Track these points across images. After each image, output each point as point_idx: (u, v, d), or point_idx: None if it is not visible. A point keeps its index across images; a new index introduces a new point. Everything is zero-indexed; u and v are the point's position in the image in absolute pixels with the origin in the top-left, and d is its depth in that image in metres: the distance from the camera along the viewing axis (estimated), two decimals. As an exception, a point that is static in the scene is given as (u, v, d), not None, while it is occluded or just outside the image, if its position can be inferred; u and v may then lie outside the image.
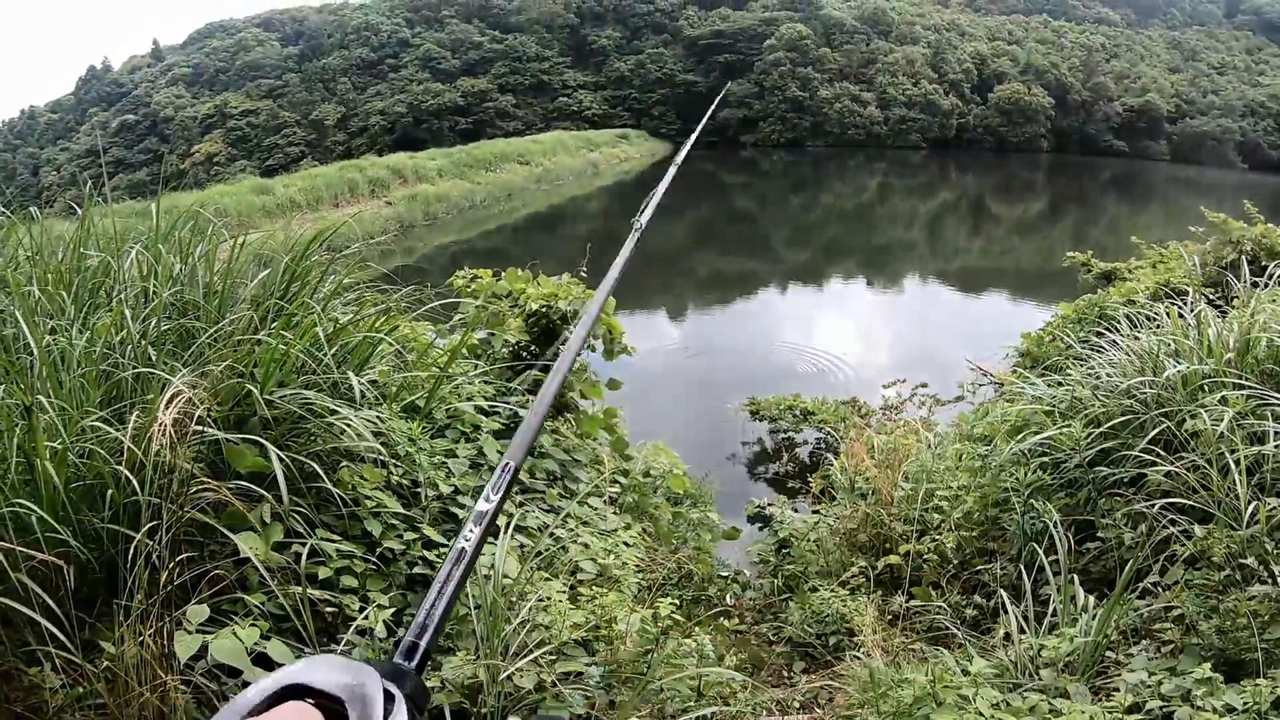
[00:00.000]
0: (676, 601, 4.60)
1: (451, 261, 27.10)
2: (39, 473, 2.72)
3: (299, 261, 4.40)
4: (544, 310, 6.00)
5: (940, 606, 4.76)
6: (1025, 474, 4.80)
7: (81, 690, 2.58)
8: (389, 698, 0.58)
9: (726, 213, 41.51)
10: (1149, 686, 3.04)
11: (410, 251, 29.23)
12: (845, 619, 4.86)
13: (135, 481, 2.76)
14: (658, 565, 5.64)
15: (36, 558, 2.60)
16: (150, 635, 2.58)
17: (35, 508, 2.63)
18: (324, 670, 0.56)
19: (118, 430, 2.84)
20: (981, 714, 2.80)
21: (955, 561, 5.08)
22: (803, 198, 45.98)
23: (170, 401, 2.88)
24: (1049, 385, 5.55)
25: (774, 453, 11.31)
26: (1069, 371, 5.48)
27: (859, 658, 4.07)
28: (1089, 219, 38.22)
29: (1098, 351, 5.44)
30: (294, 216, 27.34)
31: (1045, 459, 4.92)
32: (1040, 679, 3.27)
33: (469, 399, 5.03)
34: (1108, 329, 5.77)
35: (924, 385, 10.79)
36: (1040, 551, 4.22)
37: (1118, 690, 3.07)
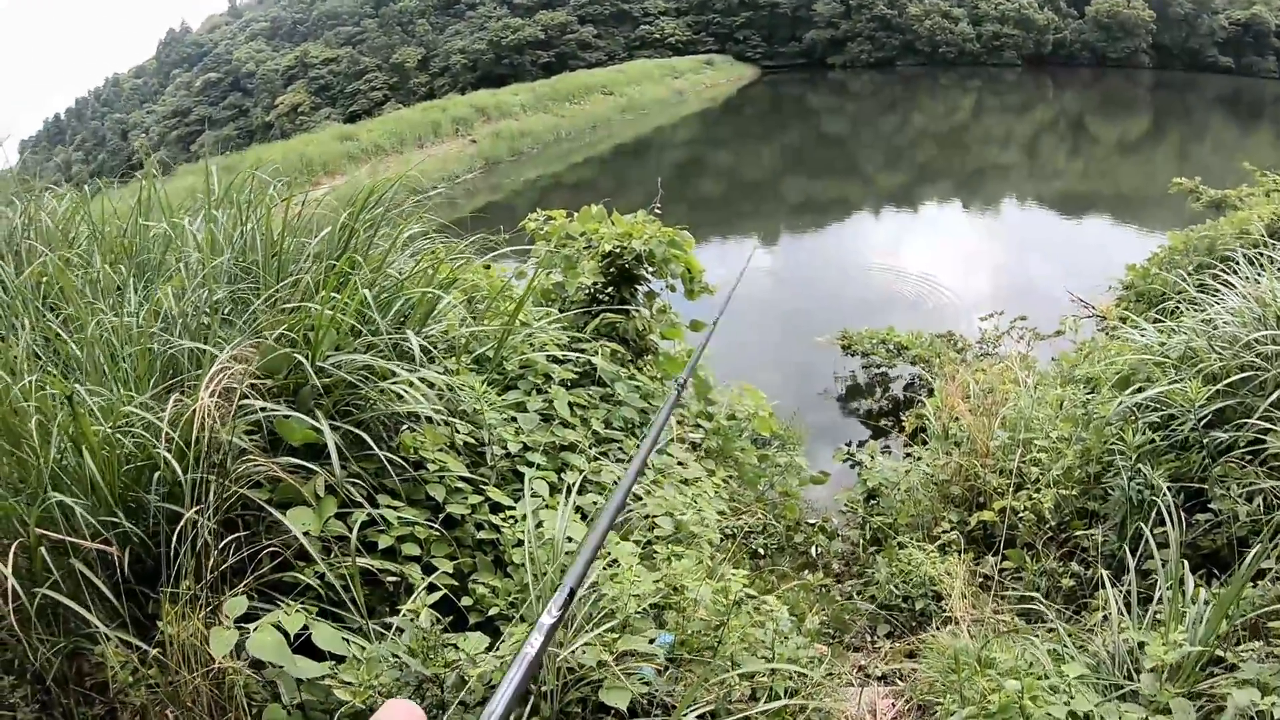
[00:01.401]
0: (753, 568, 4.42)
1: (540, 196, 27.15)
2: (86, 460, 2.67)
3: (356, 217, 4.26)
4: (618, 251, 5.78)
5: (1035, 574, 4.44)
6: (1132, 434, 4.40)
7: (139, 672, 2.54)
8: None
9: (816, 137, 40.46)
10: (1259, 710, 2.66)
11: (497, 188, 29.32)
12: (934, 581, 4.58)
13: (176, 464, 2.68)
14: (741, 512, 5.48)
15: (85, 545, 2.56)
16: (201, 619, 2.52)
17: (80, 497, 2.59)
18: None
19: (158, 413, 2.75)
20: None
21: (1053, 523, 4.72)
22: (894, 119, 44.47)
23: (213, 379, 2.78)
24: (1160, 332, 5.09)
25: (867, 388, 10.96)
26: (1182, 318, 5.01)
27: (944, 631, 3.83)
28: (1194, 140, 36.03)
29: (1213, 295, 4.97)
30: (378, 160, 27.65)
31: (1156, 416, 4.50)
32: (1139, 682, 2.93)
33: (541, 348, 4.87)
34: (1223, 270, 5.26)
35: (1023, 318, 10.27)
36: (1146, 527, 3.82)
37: (1224, 709, 2.73)
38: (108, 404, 2.89)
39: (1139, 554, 3.72)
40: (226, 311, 3.65)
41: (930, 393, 8.12)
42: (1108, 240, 18.49)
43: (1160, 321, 5.38)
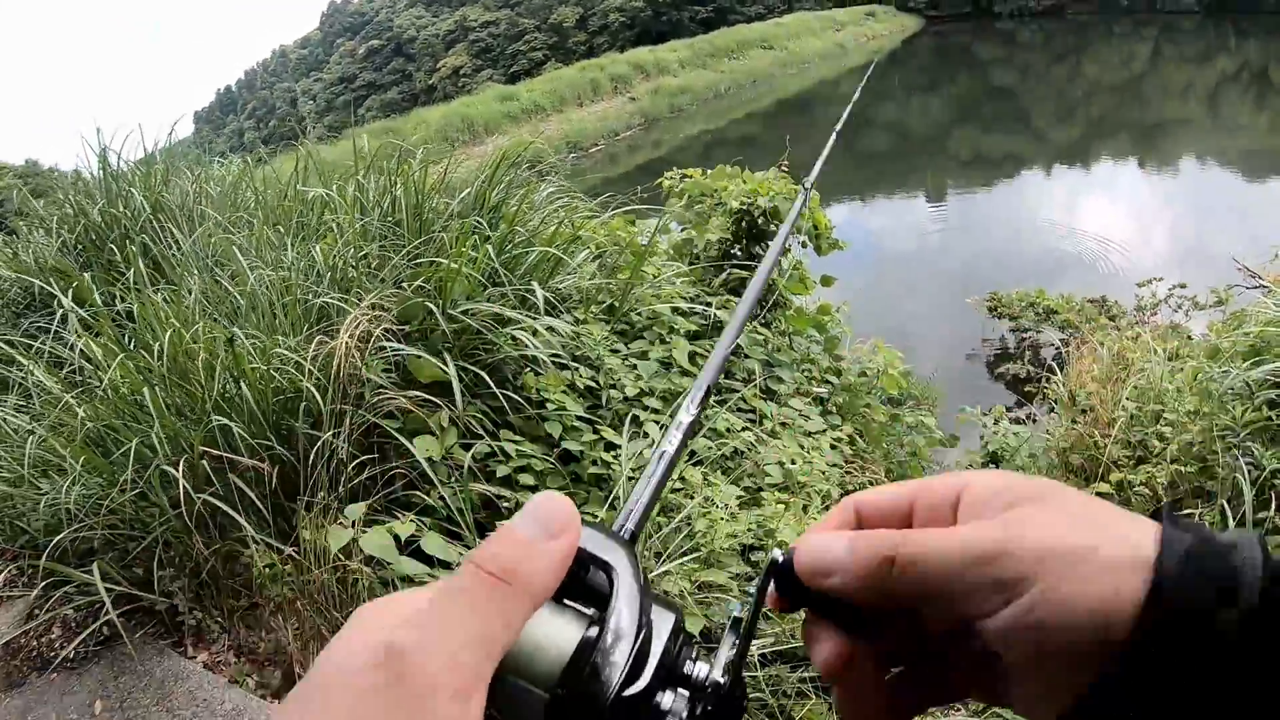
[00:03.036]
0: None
1: (704, 151, 27.22)
2: (244, 392, 3.09)
3: (490, 181, 4.60)
4: (746, 207, 5.93)
5: None
6: (1244, 410, 4.24)
7: (276, 569, 2.95)
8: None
9: (984, 89, 38.79)
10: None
11: (658, 144, 29.54)
12: None
13: (319, 396, 3.06)
14: (865, 469, 5.57)
15: (242, 463, 2.98)
16: (332, 525, 2.90)
17: (238, 421, 3.01)
18: (594, 538, 0.57)
19: (301, 353, 3.15)
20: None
21: (1167, 500, 4.59)
22: (1065, 70, 42.03)
23: (353, 323, 3.15)
24: None
25: (1016, 352, 10.68)
26: None
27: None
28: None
29: None
30: (539, 120, 28.31)
31: (1274, 394, 4.32)
32: None
33: (667, 300, 5.10)
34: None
35: (1182, 286, 9.73)
36: (1234, 508, 3.71)
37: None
38: (263, 345, 3.31)
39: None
40: (373, 265, 4.04)
41: (1068, 362, 7.91)
42: (1291, 201, 17.16)
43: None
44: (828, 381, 6.29)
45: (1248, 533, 0.45)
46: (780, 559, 0.56)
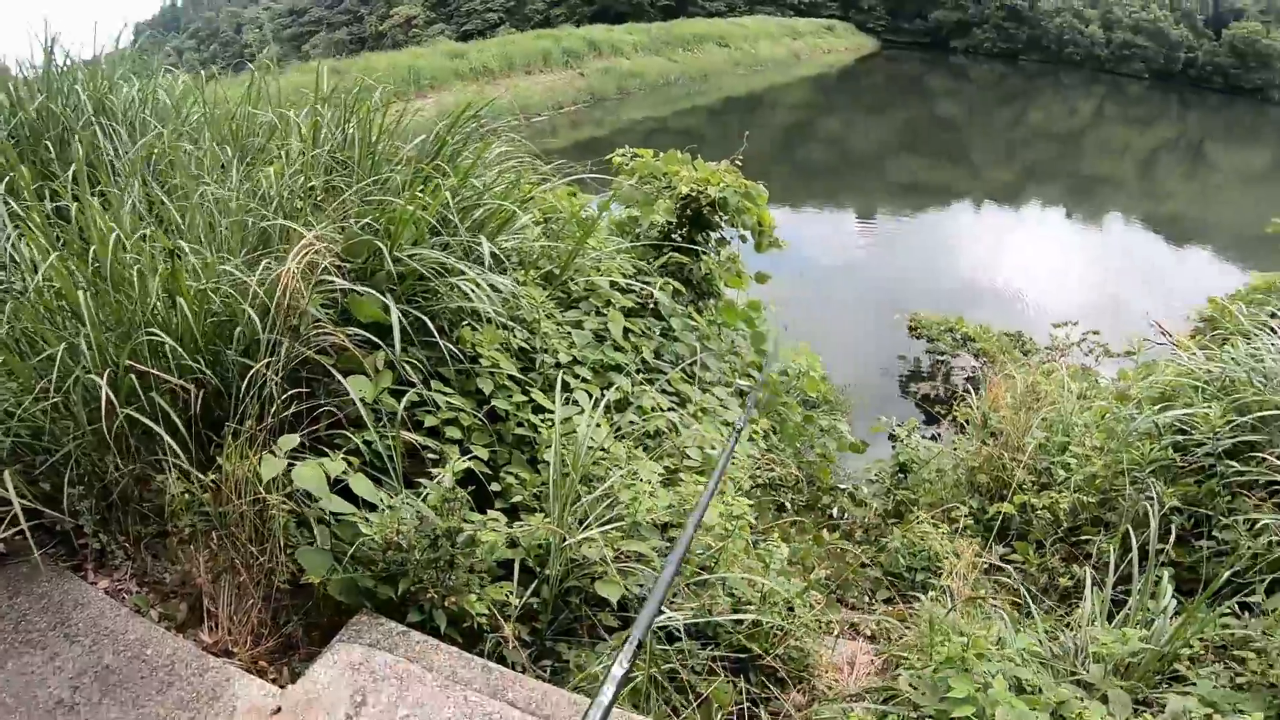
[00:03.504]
0: (757, 504, 4.63)
1: (643, 137, 27.24)
2: (179, 309, 3.01)
3: (450, 130, 4.54)
4: (694, 194, 5.98)
5: (1035, 568, 4.60)
6: (1151, 449, 4.50)
7: (192, 498, 2.89)
8: None
9: (929, 119, 39.60)
10: (1189, 717, 2.81)
11: (600, 123, 29.51)
12: (938, 558, 4.75)
13: (258, 321, 3.00)
14: (775, 465, 5.68)
15: (169, 382, 2.91)
16: (256, 458, 2.85)
17: (170, 339, 2.93)
18: None
19: (248, 275, 3.08)
20: (996, 693, 2.70)
21: (1066, 525, 4.85)
22: (1011, 112, 43.18)
23: (300, 251, 3.09)
24: (1208, 358, 5.13)
25: (929, 373, 11.02)
26: (1229, 348, 5.05)
27: (933, 599, 4.01)
28: (1319, 183, 34.06)
29: (1270, 332, 4.99)
30: (486, 81, 27.96)
31: (1179, 438, 4.59)
32: (1088, 674, 3.11)
33: (607, 274, 5.12)
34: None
35: (1095, 333, 10.13)
36: (1138, 536, 3.94)
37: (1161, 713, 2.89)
38: (204, 263, 3.22)
39: (1126, 562, 3.85)
40: (318, 199, 3.97)
41: (983, 387, 8.20)
42: (1207, 272, 17.98)
43: (1210, 349, 5.41)
44: (750, 375, 6.40)
45: None
46: None
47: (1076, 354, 10.00)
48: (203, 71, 5.91)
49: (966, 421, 7.02)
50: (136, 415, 2.87)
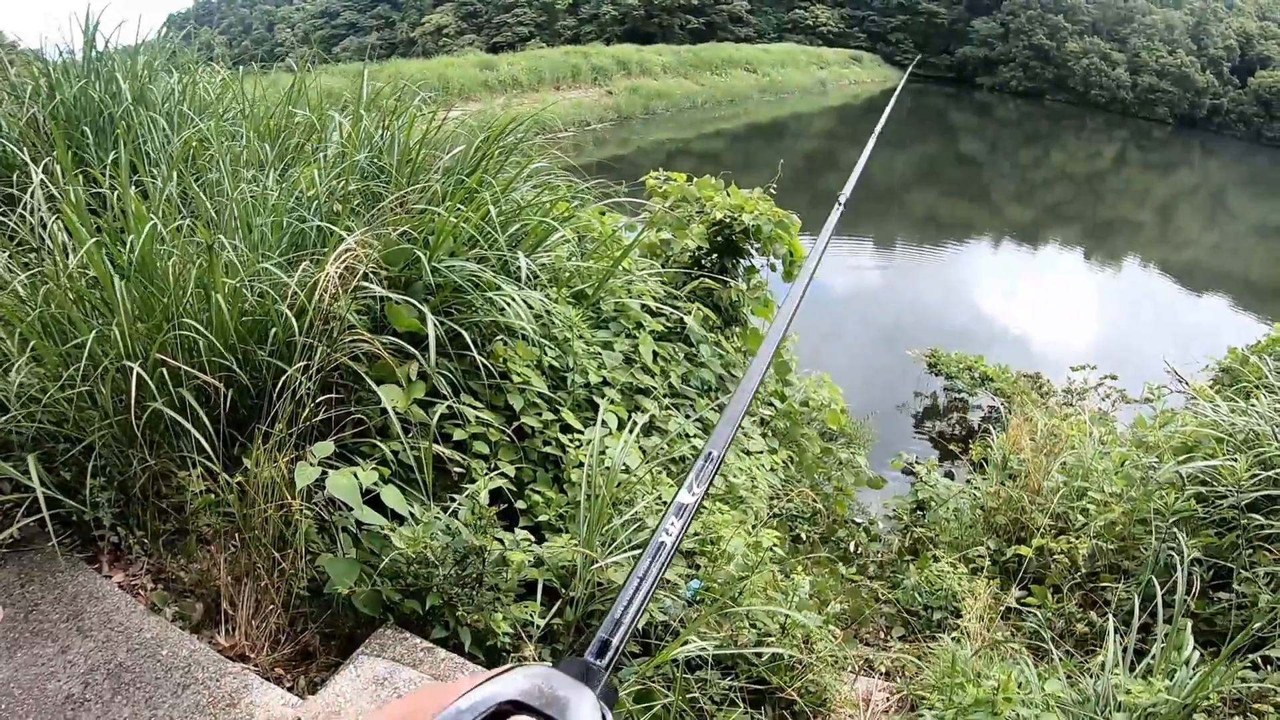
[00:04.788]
0: (782, 536, 4.58)
1: (667, 158, 27.29)
2: (214, 305, 2.97)
3: (491, 142, 4.51)
4: (728, 220, 5.94)
5: (1052, 613, 4.52)
6: (1174, 499, 4.44)
7: (215, 498, 2.84)
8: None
9: (952, 153, 39.60)
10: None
11: (626, 143, 29.54)
12: (956, 597, 4.68)
13: (295, 323, 2.97)
14: (793, 495, 5.63)
15: (199, 378, 2.87)
16: (285, 461, 2.81)
17: (206, 333, 2.89)
18: (537, 685, 0.57)
19: (288, 275, 3.04)
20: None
21: (1084, 570, 4.79)
22: (1034, 152, 43.04)
23: (340, 255, 3.06)
24: (1232, 410, 5.07)
25: (945, 410, 10.93)
26: (1255, 400, 5.00)
27: (953, 639, 3.94)
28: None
29: None
30: (514, 94, 28.08)
31: (1202, 489, 4.52)
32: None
33: (638, 296, 5.08)
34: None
35: (1113, 377, 10.01)
36: (1161, 587, 3.89)
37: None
38: (245, 260, 3.19)
39: (1148, 611, 3.80)
40: (356, 204, 3.93)
41: (1005, 428, 8.11)
42: (1224, 320, 17.87)
43: (1234, 402, 5.35)
44: (772, 404, 6.35)
45: None
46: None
47: (1093, 398, 9.91)
48: (241, 68, 5.91)
49: (984, 460, 6.95)
50: (164, 409, 2.83)
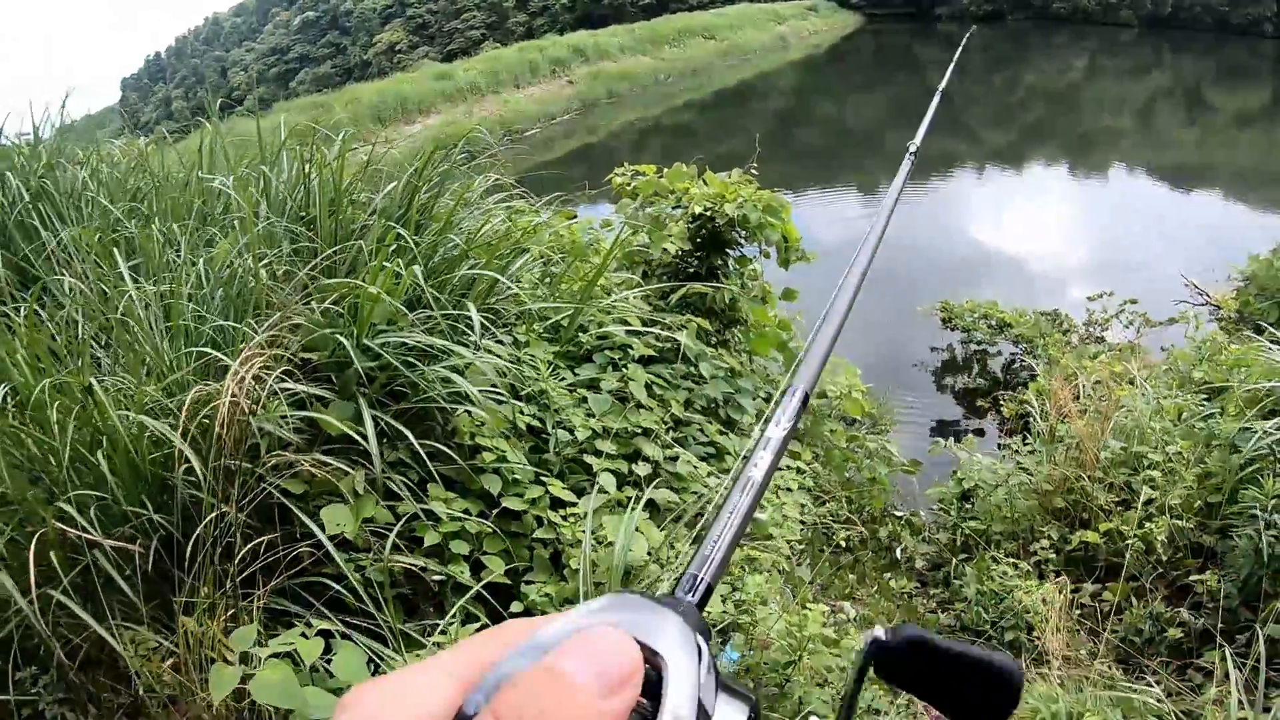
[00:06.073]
0: (834, 562, 4.07)
1: (639, 138, 26.76)
2: (116, 446, 2.43)
3: (419, 174, 3.94)
4: (709, 213, 5.37)
5: (1139, 618, 3.94)
6: (1272, 480, 3.82)
7: (154, 672, 2.33)
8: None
9: (922, 90, 38.80)
10: None
11: (594, 130, 29.01)
12: (1027, 610, 4.08)
13: (193, 456, 2.42)
14: (825, 499, 5.11)
15: (101, 544, 2.33)
16: (221, 626, 2.28)
17: (99, 490, 2.36)
18: (622, 611, 0.48)
19: (181, 400, 2.49)
20: None
21: (1164, 556, 4.19)
22: (1004, 74, 42.33)
23: (243, 365, 2.51)
24: None
25: (964, 364, 10.36)
26: None
27: (1033, 671, 3.40)
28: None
29: None
30: (475, 100, 27.52)
31: None
32: None
33: (620, 320, 4.51)
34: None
35: (1133, 301, 9.44)
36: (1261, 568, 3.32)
37: None
38: (133, 390, 2.64)
39: (1264, 616, 3.22)
40: (278, 276, 3.39)
41: (1032, 377, 7.53)
42: (1221, 216, 17.31)
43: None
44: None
45: None
46: (883, 637, 0.58)
47: (1116, 327, 9.37)
48: (155, 132, 5.37)
49: (1021, 417, 6.38)
50: (62, 597, 2.30)
